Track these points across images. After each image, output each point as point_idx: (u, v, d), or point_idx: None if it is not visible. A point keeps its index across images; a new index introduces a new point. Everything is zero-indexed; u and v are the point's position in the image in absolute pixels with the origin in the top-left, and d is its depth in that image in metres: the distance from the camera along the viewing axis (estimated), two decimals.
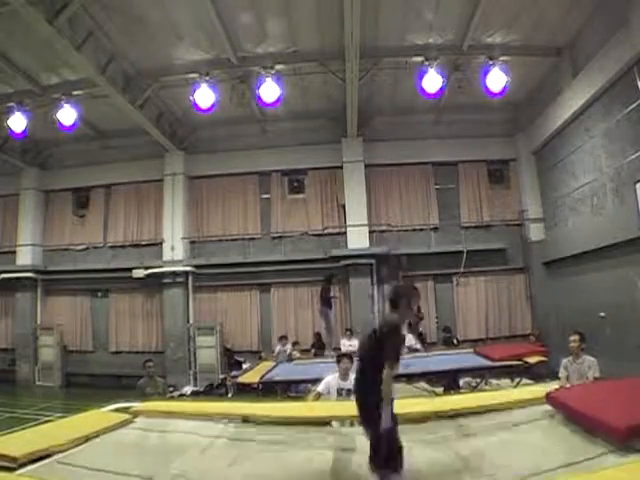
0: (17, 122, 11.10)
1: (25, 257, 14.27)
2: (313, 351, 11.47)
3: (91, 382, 13.10)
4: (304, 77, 11.12)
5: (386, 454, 2.78)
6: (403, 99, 12.35)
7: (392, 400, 2.83)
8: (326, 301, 8.52)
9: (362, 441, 3.12)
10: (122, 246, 14.27)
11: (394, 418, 2.84)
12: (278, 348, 11.41)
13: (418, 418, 3.80)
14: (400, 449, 2.84)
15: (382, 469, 2.79)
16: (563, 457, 2.78)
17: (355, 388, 3.13)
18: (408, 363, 7.28)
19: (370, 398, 2.85)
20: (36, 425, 5.26)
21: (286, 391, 7.98)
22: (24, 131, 11.35)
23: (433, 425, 3.74)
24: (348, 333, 11.17)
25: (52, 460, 3.19)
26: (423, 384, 7.99)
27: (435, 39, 10.10)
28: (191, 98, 10.53)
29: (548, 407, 3.69)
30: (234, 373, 11.06)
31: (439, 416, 3.86)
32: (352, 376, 5.26)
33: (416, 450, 3.16)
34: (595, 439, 2.91)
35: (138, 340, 13.74)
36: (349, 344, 10.66)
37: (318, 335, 11.67)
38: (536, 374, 7.96)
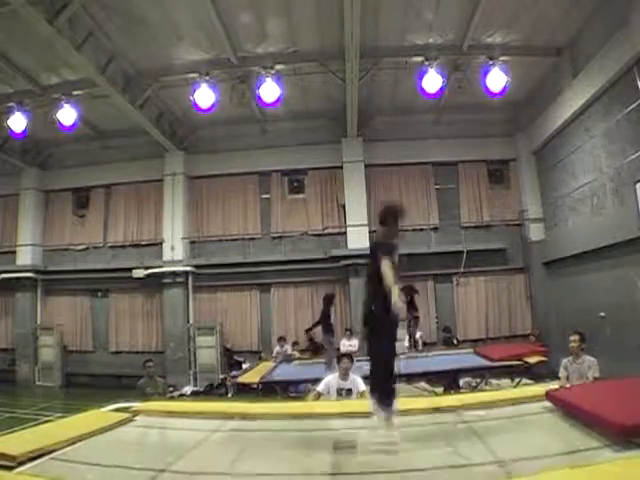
0: (17, 122, 11.11)
1: (25, 257, 14.27)
2: (309, 353, 11.38)
3: (91, 382, 13.09)
4: (304, 77, 11.13)
5: (382, 377, 3.05)
6: (403, 99, 12.35)
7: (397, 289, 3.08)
8: (328, 327, 8.29)
9: (363, 436, 3.12)
10: (122, 246, 14.26)
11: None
12: (277, 349, 11.42)
13: (418, 412, 3.83)
14: (394, 376, 3.10)
15: (377, 393, 3.04)
16: (561, 450, 2.80)
17: (363, 303, 3.42)
18: (408, 363, 7.29)
19: (375, 304, 3.15)
20: (36, 425, 5.26)
21: (286, 391, 7.98)
22: (24, 131, 11.35)
23: (432, 418, 3.76)
24: (348, 333, 11.16)
25: (51, 457, 3.18)
26: (423, 384, 8.02)
27: (435, 39, 10.10)
28: (191, 98, 10.54)
29: (547, 403, 3.72)
30: (234, 373, 11.05)
31: (439, 410, 3.88)
32: (352, 376, 5.31)
33: (415, 443, 3.17)
34: (593, 433, 2.94)
35: (138, 340, 13.73)
36: (349, 344, 10.67)
37: (310, 336, 11.47)
38: (536, 374, 7.99)
